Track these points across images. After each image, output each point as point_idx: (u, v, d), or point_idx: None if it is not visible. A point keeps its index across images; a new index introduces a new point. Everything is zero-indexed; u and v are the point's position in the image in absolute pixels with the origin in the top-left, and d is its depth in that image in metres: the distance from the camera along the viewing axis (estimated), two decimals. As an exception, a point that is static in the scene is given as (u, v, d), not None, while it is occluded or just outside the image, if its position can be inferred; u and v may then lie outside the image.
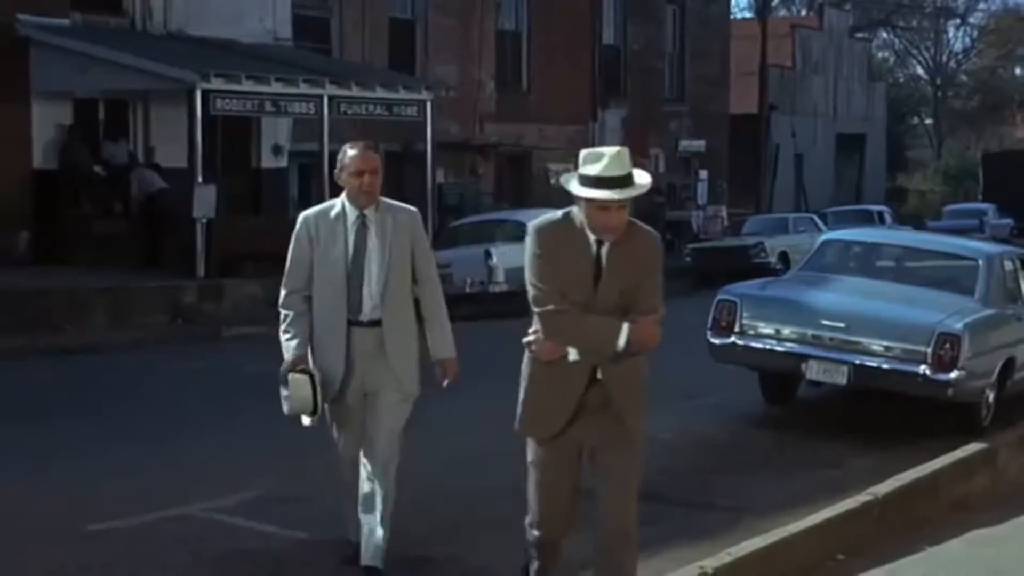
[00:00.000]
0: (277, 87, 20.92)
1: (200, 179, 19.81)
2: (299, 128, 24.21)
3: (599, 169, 5.45)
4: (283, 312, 6.47)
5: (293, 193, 25.71)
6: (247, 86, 20.46)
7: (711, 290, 12.73)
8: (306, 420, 6.38)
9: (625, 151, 5.56)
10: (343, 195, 6.48)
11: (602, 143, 34.55)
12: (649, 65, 36.84)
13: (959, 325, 10.73)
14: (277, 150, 24.87)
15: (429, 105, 23.34)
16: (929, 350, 10.59)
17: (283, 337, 6.43)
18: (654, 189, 32.69)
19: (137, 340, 16.36)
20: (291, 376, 6.30)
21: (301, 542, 7.28)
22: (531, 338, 5.69)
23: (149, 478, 8.69)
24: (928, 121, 70.92)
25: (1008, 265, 12.33)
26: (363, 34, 26.88)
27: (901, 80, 70.03)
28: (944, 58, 70.19)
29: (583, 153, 5.59)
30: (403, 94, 23.30)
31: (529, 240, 5.64)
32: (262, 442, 9.40)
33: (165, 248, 20.59)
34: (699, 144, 38.68)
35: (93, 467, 9.07)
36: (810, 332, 11.06)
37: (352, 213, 6.43)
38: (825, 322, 11.00)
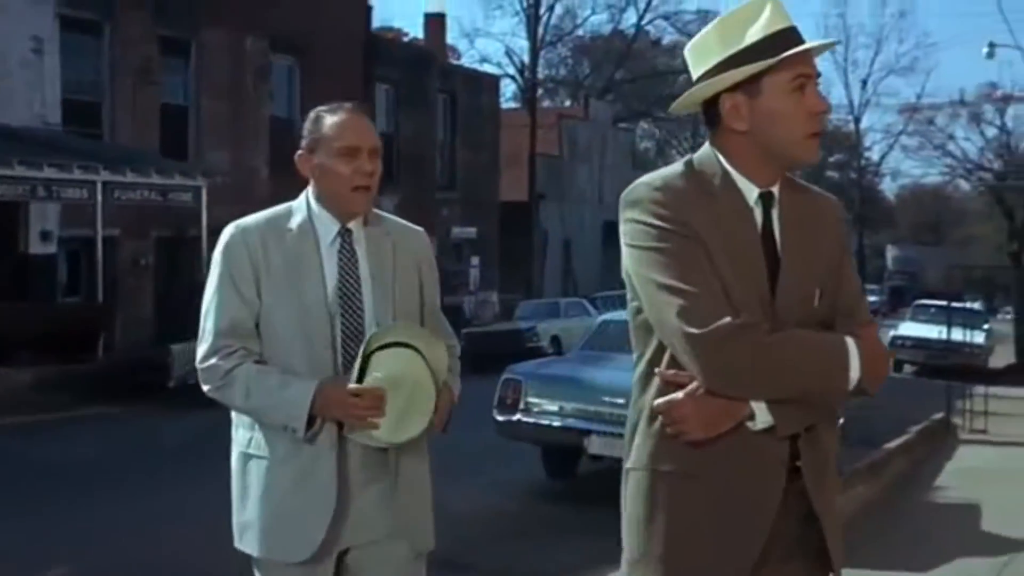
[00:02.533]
0: (50, 172, 20.65)
1: (-31, 265, 19.39)
2: (69, 213, 23.84)
3: (780, 21, 3.01)
4: (208, 371, 3.67)
5: (62, 279, 25.21)
6: (19, 171, 20.14)
7: (485, 375, 12.89)
8: (417, 428, 3.66)
9: None
10: (306, 195, 3.83)
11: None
12: (421, 152, 37.38)
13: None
14: (46, 236, 24.38)
15: (204, 191, 23.31)
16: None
17: (245, 398, 3.63)
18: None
19: (-97, 429, 15.81)
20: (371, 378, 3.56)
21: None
22: (675, 399, 2.95)
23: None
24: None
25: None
26: (135, 119, 26.64)
27: (662, 169, 72.30)
28: (702, 149, 72.85)
29: (711, 29, 3.07)
30: (178, 180, 23.22)
31: (639, 212, 3.00)
32: (63, 524, 9.31)
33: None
34: (470, 231, 39.36)
35: None
36: (592, 408, 11.46)
37: (328, 226, 3.77)
38: (606, 398, 11.40)
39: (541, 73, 56.82)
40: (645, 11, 64.13)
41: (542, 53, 57.59)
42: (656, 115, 69.22)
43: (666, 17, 65.24)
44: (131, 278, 25.58)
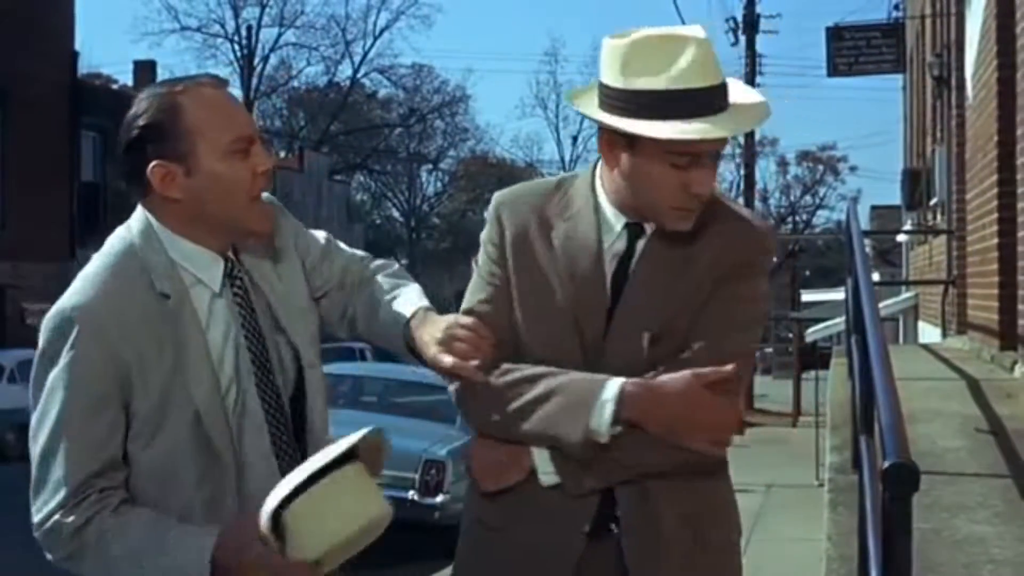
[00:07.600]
0: None
1: None
2: None
3: (680, 74, 2.50)
4: (50, 535, 2.39)
5: None
6: None
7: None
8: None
9: (706, 37, 2.57)
10: (150, 224, 2.70)
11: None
12: (129, 203, 36.38)
13: (443, 452, 11.32)
14: None
15: None
16: (416, 476, 11.10)
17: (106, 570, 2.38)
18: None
19: None
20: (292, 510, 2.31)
21: None
22: (471, 444, 2.81)
23: None
24: (404, 261, 73.75)
25: (486, 394, 13.15)
26: None
27: (378, 222, 72.57)
28: (418, 201, 73.45)
29: (623, 46, 2.56)
30: None
31: (487, 227, 2.81)
32: None
33: None
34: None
35: None
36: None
37: (207, 267, 2.55)
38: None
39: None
40: (360, 64, 64.39)
41: (256, 104, 57.13)
42: (372, 167, 69.49)
43: (381, 71, 65.60)
44: None
